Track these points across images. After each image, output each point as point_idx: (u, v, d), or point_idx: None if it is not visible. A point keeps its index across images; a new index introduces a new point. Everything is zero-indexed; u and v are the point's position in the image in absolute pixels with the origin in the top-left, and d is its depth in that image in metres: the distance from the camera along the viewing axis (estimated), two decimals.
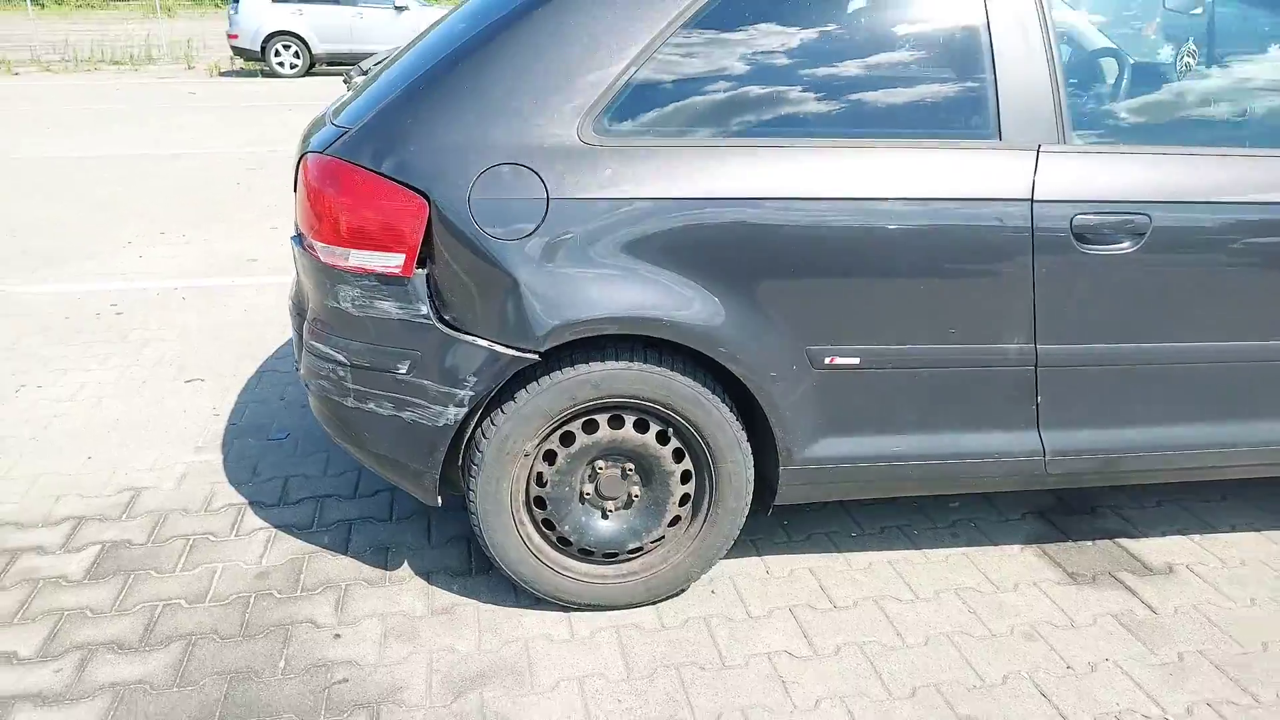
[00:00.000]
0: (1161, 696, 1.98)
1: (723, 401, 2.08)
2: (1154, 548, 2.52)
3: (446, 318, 1.98)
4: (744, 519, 2.22)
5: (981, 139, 2.04)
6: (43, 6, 38.20)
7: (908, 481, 2.22)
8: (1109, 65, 2.34)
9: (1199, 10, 2.45)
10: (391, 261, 1.95)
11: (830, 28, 2.04)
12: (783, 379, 2.05)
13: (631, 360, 2.03)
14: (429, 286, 1.96)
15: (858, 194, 1.98)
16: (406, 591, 2.31)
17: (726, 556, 2.46)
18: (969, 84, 2.05)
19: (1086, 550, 2.51)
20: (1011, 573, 2.41)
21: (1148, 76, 2.37)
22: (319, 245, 2.02)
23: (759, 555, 2.48)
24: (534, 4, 2.01)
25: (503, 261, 1.92)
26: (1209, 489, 2.82)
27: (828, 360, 2.06)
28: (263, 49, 15.24)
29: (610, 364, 2.02)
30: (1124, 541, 2.55)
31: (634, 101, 1.98)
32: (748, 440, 2.14)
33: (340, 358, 2.07)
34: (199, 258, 5.15)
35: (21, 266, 4.94)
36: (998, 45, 2.04)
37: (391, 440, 2.08)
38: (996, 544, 2.53)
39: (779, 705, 1.95)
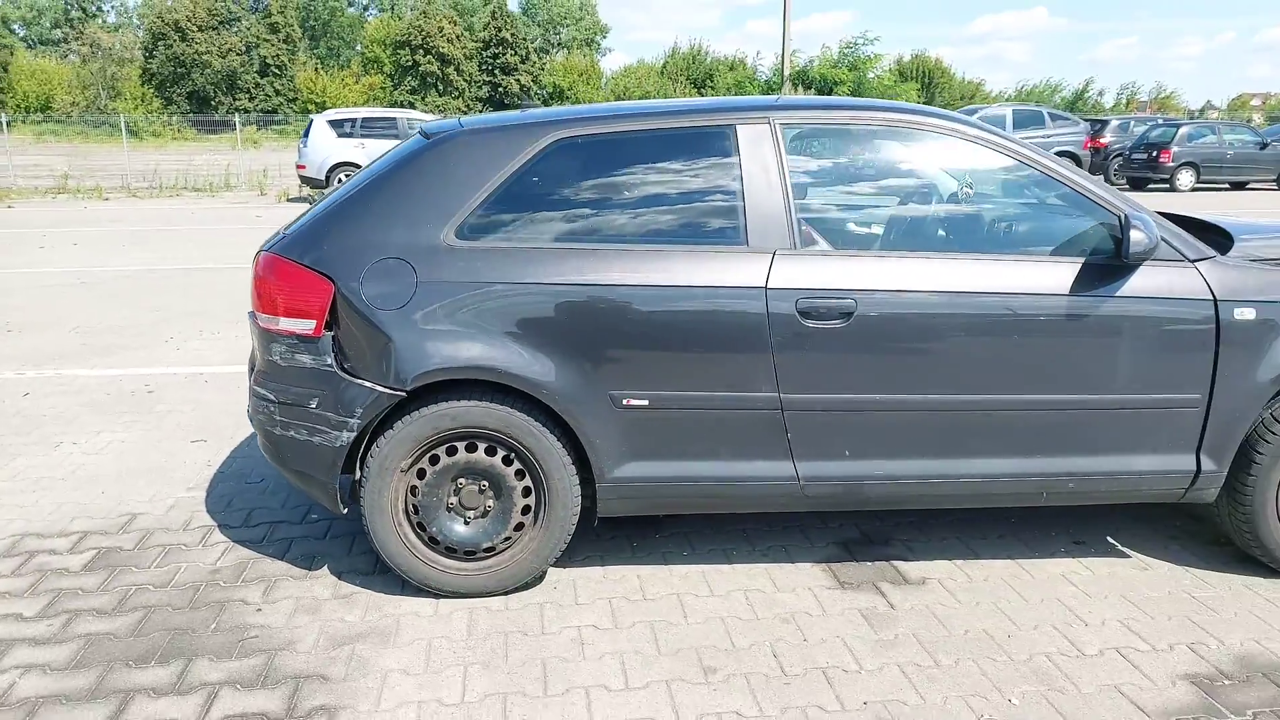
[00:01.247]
0: (865, 659, 2.57)
1: (550, 432, 2.80)
2: (920, 568, 3.11)
3: (345, 366, 2.75)
4: (573, 526, 2.89)
5: (735, 246, 2.79)
6: (140, 139, 41.91)
7: (697, 499, 2.89)
8: (836, 191, 3.09)
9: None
10: (307, 326, 2.75)
11: (624, 172, 2.86)
12: (592, 415, 2.77)
13: (481, 399, 2.77)
14: (333, 344, 2.75)
15: (643, 282, 2.74)
16: (319, 584, 3.02)
17: (576, 565, 3.12)
18: (727, 208, 2.83)
19: (864, 568, 3.11)
20: (795, 581, 3.02)
21: (870, 202, 3.13)
22: (260, 316, 2.84)
23: (603, 565, 3.14)
24: (418, 154, 2.88)
25: (382, 326, 2.71)
26: (986, 527, 3.40)
27: (625, 401, 2.78)
28: (327, 178, 16.86)
29: (464, 402, 2.76)
30: (898, 563, 3.15)
31: (484, 219, 2.79)
32: (573, 463, 2.84)
33: (272, 397, 2.85)
34: (227, 351, 6.07)
35: (80, 356, 5.92)
36: (747, 182, 2.82)
37: (305, 459, 2.83)
38: (794, 562, 3.15)
39: (572, 656, 2.59)
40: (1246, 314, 2.81)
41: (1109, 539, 3.32)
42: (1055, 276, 2.80)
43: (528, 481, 2.86)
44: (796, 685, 2.46)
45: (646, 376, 2.77)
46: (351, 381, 2.74)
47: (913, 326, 2.77)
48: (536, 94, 61.04)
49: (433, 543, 2.88)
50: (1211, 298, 2.80)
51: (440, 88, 58.98)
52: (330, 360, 2.75)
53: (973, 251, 2.86)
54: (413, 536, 2.87)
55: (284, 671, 2.53)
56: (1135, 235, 2.68)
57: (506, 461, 2.84)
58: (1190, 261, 2.84)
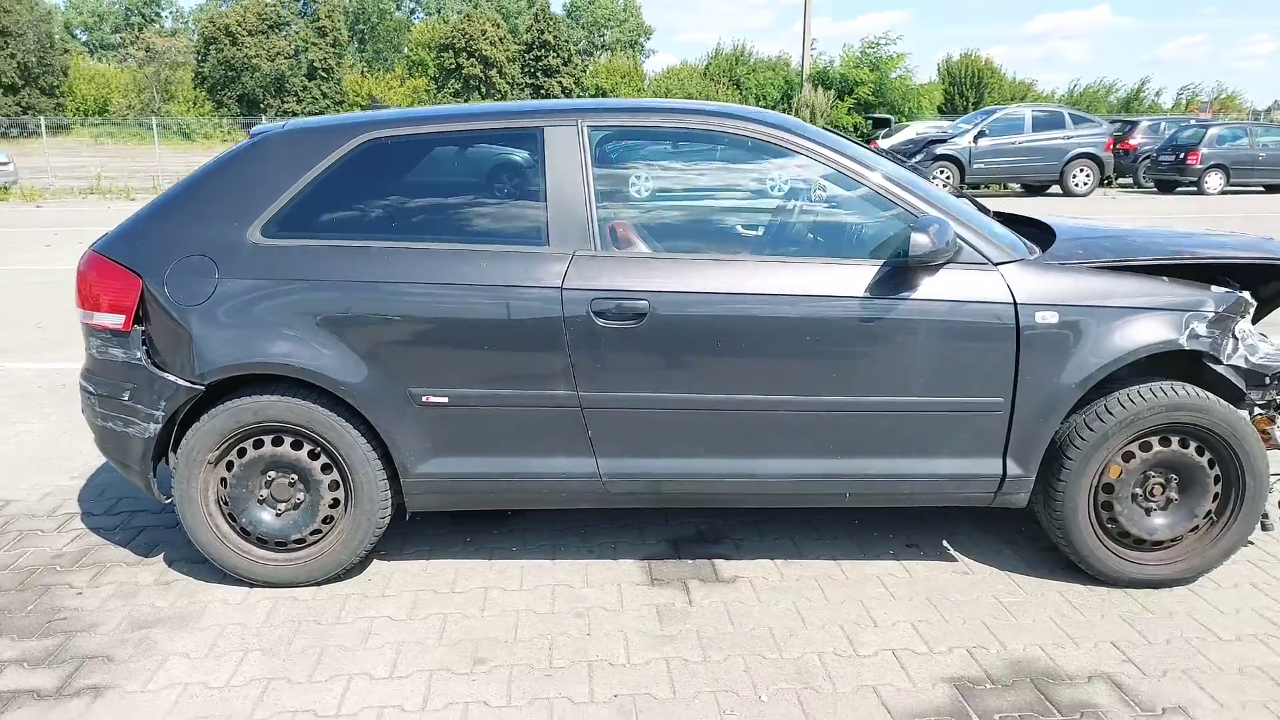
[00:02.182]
0: (638, 654, 2.60)
1: (354, 427, 2.87)
2: (738, 566, 3.12)
3: (154, 360, 2.85)
4: (383, 520, 2.96)
5: (537, 246, 2.83)
6: (192, 140, 43.01)
7: (504, 495, 2.94)
8: (648, 193, 3.11)
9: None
10: (117, 321, 2.85)
11: (433, 173, 2.91)
12: (392, 412, 2.83)
13: (283, 394, 2.85)
14: (142, 338, 2.85)
15: (442, 280, 2.79)
16: (147, 570, 3.12)
17: (405, 557, 3.19)
18: (531, 209, 2.87)
19: (682, 565, 3.13)
20: (608, 577, 3.05)
21: (678, 203, 3.14)
22: (80, 311, 2.95)
23: (428, 559, 3.20)
24: (236, 154, 2.97)
25: (184, 321, 2.80)
26: (824, 528, 3.39)
27: (424, 399, 2.83)
28: None
29: (266, 396, 2.85)
30: (719, 561, 3.15)
31: (290, 217, 2.87)
32: (379, 459, 2.90)
33: (93, 389, 2.96)
34: None
35: (30, 350, 6.16)
36: (551, 184, 2.85)
37: (122, 449, 2.94)
38: (618, 559, 3.18)
39: (354, 646, 2.66)
40: (1048, 317, 2.77)
41: (944, 543, 3.29)
42: (854, 279, 2.78)
43: (335, 475, 2.93)
44: (557, 677, 2.50)
45: (446, 374, 2.82)
46: (158, 375, 2.84)
47: (706, 328, 2.78)
48: (579, 96, 61.50)
49: (244, 533, 2.96)
50: (1012, 301, 2.77)
51: (483, 90, 59.63)
52: (140, 354, 2.85)
53: (776, 254, 2.87)
54: (225, 526, 2.96)
55: (74, 652, 2.63)
56: (916, 239, 2.66)
57: (313, 456, 2.91)
58: (994, 265, 2.81)
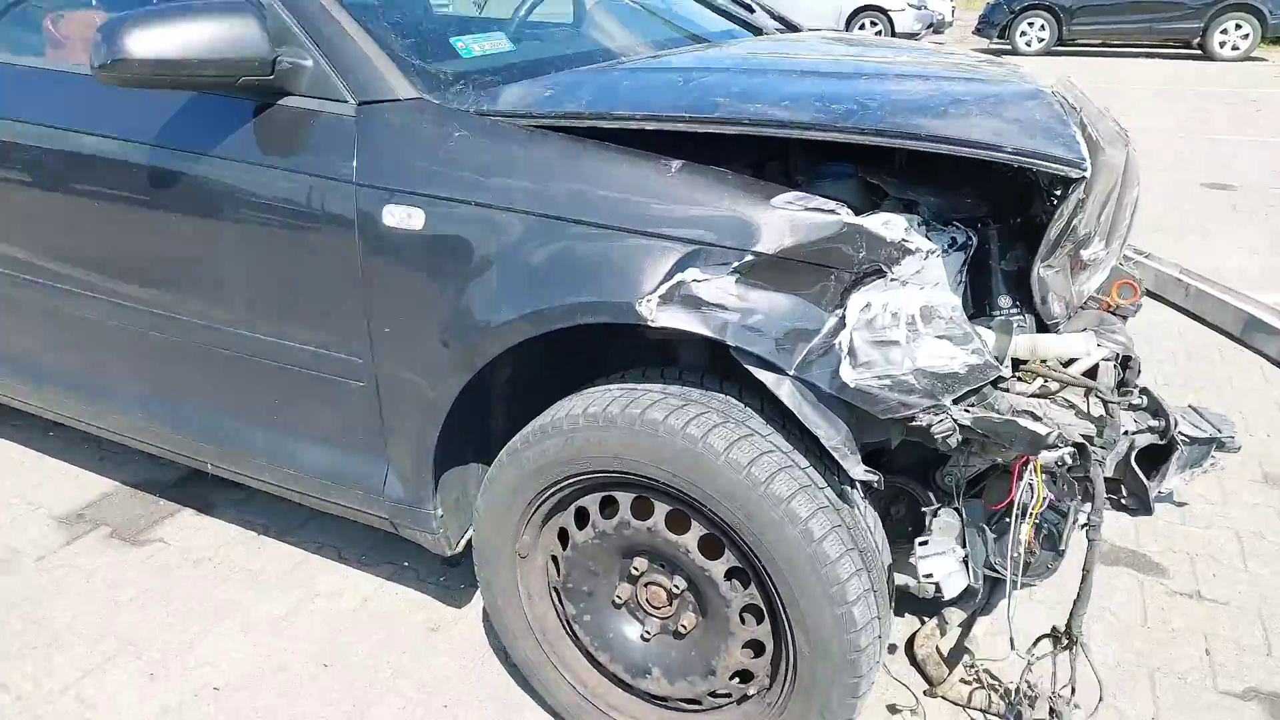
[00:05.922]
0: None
1: None
2: (199, 523, 2.22)
3: None
4: None
5: None
6: None
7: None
8: None
9: None
10: None
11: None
12: None
13: None
14: None
15: None
16: None
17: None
18: None
19: (130, 510, 2.29)
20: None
21: None
22: None
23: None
24: None
25: None
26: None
27: None
28: None
29: None
30: (188, 512, 2.27)
31: None
32: None
33: None
34: None
35: None
36: None
37: None
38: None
39: None
40: (408, 219, 1.41)
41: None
42: (196, 118, 1.62)
43: None
44: None
45: None
46: None
47: (29, 169, 1.83)
48: None
49: None
50: (352, 179, 1.45)
51: None
52: None
53: None
54: None
55: None
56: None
57: None
58: (356, 104, 1.47)
